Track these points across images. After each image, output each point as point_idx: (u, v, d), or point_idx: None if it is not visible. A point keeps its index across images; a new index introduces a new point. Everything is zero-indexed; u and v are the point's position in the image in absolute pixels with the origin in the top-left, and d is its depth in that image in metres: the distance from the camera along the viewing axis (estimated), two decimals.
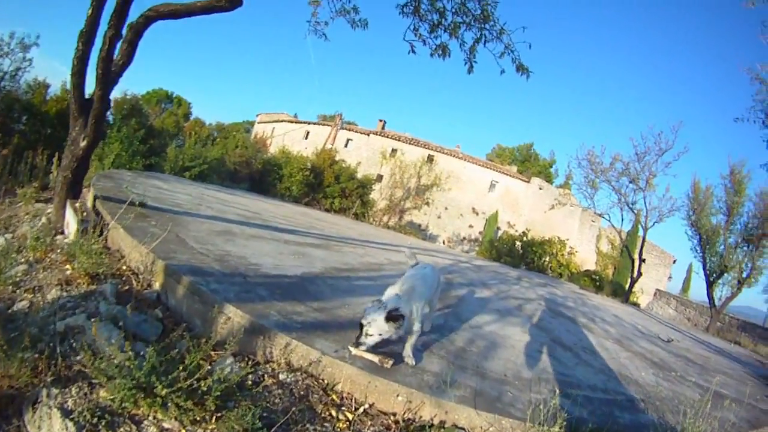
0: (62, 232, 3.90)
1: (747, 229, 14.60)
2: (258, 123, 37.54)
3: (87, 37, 3.87)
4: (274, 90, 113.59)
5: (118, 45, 4.11)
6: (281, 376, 2.23)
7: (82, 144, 4.11)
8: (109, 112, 14.75)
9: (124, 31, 4.07)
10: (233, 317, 2.48)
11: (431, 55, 5.35)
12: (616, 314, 9.62)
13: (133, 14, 4.15)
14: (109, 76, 4.12)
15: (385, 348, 2.50)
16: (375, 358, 2.35)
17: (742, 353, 9.74)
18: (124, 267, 3.27)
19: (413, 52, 5.45)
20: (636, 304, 18.82)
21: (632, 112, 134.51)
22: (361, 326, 2.34)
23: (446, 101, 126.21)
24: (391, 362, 2.36)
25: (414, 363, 2.50)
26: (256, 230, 5.84)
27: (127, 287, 2.97)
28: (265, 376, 2.22)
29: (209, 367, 2.05)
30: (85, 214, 3.95)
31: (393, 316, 2.31)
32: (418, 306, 2.56)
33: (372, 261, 6.23)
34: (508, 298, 6.64)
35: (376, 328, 2.32)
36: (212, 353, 2.27)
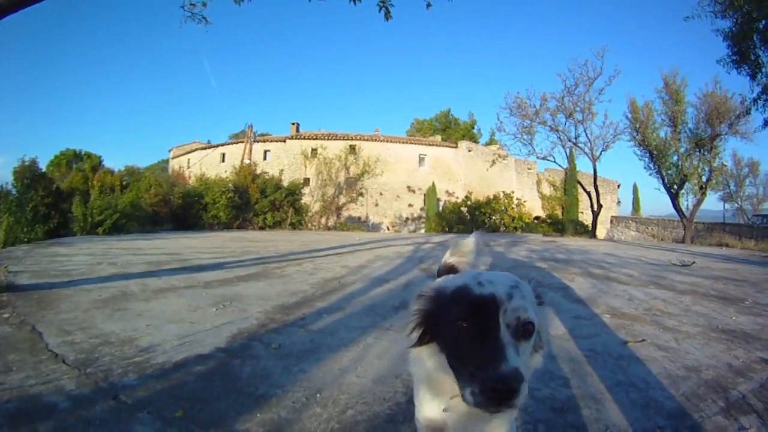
0: None
1: (696, 135, 14.47)
2: (172, 158, 34.46)
3: None
4: (185, 122, 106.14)
5: None
6: None
7: None
8: (10, 184, 12.24)
9: None
10: None
11: None
12: (608, 252, 8.75)
13: None
14: None
15: None
16: None
17: (746, 254, 9.28)
18: None
19: None
20: (594, 236, 18.63)
21: (551, 48, 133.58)
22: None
23: (355, 89, 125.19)
24: None
25: None
26: (167, 279, 4.23)
27: None
28: None
29: None
30: None
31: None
32: None
33: (328, 276, 4.61)
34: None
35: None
36: None
